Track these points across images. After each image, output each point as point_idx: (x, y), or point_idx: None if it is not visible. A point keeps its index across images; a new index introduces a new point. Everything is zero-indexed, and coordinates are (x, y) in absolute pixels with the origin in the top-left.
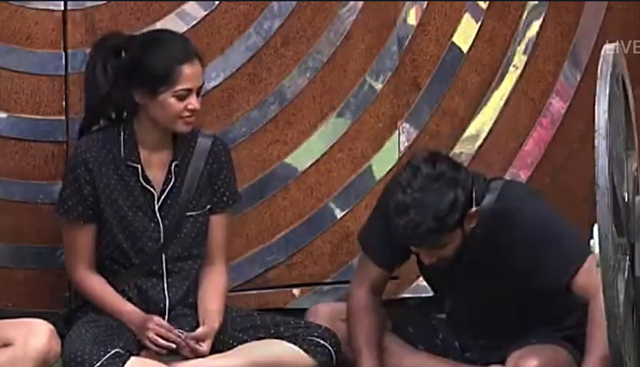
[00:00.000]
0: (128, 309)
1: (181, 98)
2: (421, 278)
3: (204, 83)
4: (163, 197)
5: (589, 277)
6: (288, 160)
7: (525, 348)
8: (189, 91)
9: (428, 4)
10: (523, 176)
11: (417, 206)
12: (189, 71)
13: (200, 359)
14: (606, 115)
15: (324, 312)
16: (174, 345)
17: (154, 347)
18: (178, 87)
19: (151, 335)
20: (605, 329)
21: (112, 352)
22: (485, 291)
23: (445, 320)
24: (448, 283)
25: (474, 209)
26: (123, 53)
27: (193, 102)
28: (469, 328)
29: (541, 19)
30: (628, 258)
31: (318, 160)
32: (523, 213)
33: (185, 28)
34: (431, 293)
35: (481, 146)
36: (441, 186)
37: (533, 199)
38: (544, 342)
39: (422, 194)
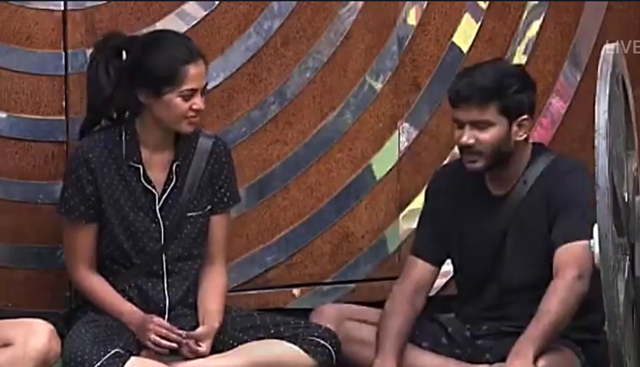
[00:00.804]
0: (128, 309)
1: (186, 98)
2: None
3: (207, 83)
4: (164, 197)
5: (570, 256)
6: (288, 160)
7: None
8: (194, 91)
9: (428, 4)
10: None
11: (480, 71)
12: (194, 71)
13: (200, 359)
14: (606, 115)
15: (330, 313)
16: (175, 345)
17: (155, 348)
18: (184, 87)
19: (152, 336)
20: (560, 306)
21: (112, 352)
22: (523, 267)
23: (462, 306)
24: (493, 255)
25: (528, 118)
26: (124, 54)
27: (198, 102)
28: (494, 308)
29: (541, 19)
30: (628, 258)
31: (318, 160)
32: (570, 177)
33: (185, 28)
34: (431, 294)
35: None
36: (508, 68)
37: (581, 169)
38: (555, 342)
39: (488, 66)
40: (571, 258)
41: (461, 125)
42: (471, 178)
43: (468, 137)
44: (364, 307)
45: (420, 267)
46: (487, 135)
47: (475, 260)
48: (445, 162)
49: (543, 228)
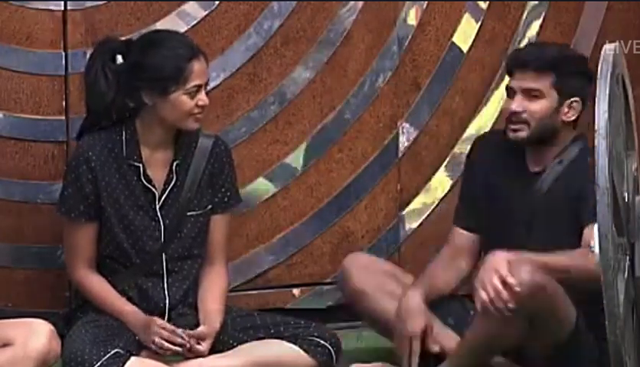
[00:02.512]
0: (128, 310)
1: (192, 95)
2: None
3: (209, 79)
4: (164, 197)
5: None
6: (288, 160)
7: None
8: (199, 87)
9: (428, 4)
10: None
11: (545, 45)
12: (198, 67)
13: (201, 359)
14: (606, 115)
15: (361, 261)
16: (179, 349)
17: (159, 350)
18: (189, 85)
19: (157, 340)
20: (569, 260)
21: (112, 352)
22: (546, 247)
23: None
24: (521, 231)
25: (578, 102)
26: (120, 58)
27: (202, 97)
28: None
29: (541, 19)
30: (628, 258)
31: (318, 160)
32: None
33: (185, 28)
34: None
35: None
36: (573, 52)
37: None
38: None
39: (553, 44)
40: None
41: (511, 96)
42: (510, 152)
43: (517, 104)
44: (396, 267)
45: (458, 236)
46: (537, 106)
47: (503, 236)
48: (487, 130)
49: (571, 211)
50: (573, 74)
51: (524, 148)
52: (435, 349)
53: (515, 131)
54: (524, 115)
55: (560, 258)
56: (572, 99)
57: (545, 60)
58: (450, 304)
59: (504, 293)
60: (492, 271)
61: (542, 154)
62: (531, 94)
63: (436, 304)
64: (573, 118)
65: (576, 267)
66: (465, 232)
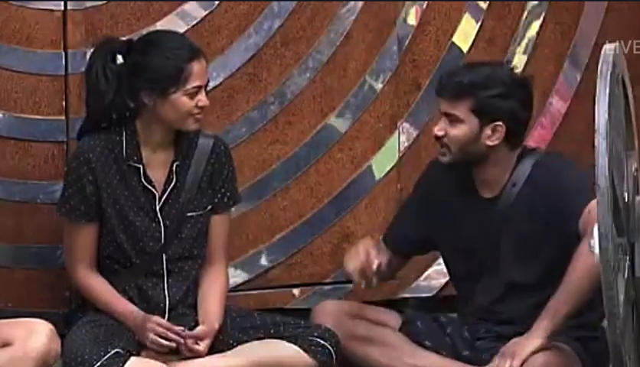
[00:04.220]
0: (127, 309)
1: (191, 96)
2: (421, 278)
3: (209, 80)
4: (164, 197)
5: (590, 215)
6: (288, 160)
7: None
8: (199, 88)
9: (428, 4)
10: None
11: (470, 67)
12: (198, 68)
13: (201, 359)
14: (606, 115)
15: (330, 309)
16: (174, 345)
17: (155, 347)
18: (189, 85)
19: (151, 335)
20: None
21: (113, 352)
22: (519, 268)
23: (461, 309)
24: (487, 257)
25: (501, 126)
26: (121, 58)
27: (202, 98)
28: (489, 311)
29: (541, 19)
30: (628, 258)
31: (318, 160)
32: (563, 176)
33: (185, 28)
34: (431, 294)
35: None
36: (502, 73)
37: (568, 163)
38: (554, 340)
39: (481, 66)
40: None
41: (440, 118)
42: (461, 177)
43: (439, 128)
44: (364, 305)
45: (385, 251)
46: (456, 131)
47: (469, 263)
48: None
49: (540, 229)
50: (493, 98)
51: (471, 176)
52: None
53: (441, 154)
54: (445, 140)
55: (567, 294)
56: (495, 124)
57: (460, 86)
58: (426, 325)
59: None
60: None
61: (489, 180)
62: (451, 119)
63: (411, 327)
64: (497, 142)
65: (584, 280)
66: (393, 254)
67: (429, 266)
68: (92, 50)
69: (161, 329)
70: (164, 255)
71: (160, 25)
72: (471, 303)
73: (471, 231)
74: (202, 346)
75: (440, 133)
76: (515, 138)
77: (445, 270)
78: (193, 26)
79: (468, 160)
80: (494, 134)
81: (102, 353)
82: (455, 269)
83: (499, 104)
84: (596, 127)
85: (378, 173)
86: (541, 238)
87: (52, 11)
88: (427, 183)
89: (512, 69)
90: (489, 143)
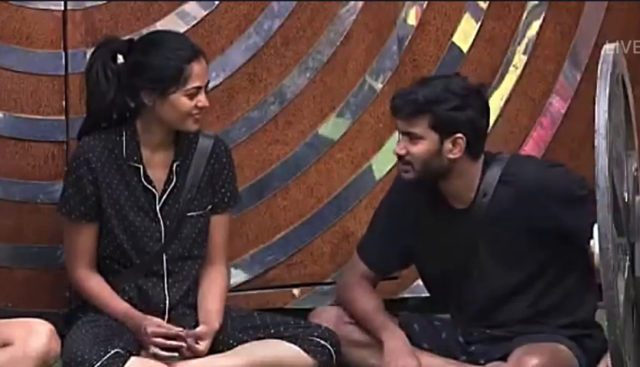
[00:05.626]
0: (126, 311)
1: (191, 96)
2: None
3: (209, 80)
4: (164, 197)
5: None
6: (288, 160)
7: (528, 345)
8: (199, 88)
9: (428, 4)
10: None
11: (422, 84)
12: (198, 69)
13: (201, 359)
14: (606, 115)
15: (329, 314)
16: (175, 344)
17: (159, 351)
18: (189, 86)
19: (152, 340)
20: None
21: (112, 352)
22: (504, 274)
23: (452, 315)
24: (467, 267)
25: (462, 138)
26: (121, 58)
27: (202, 99)
28: (479, 318)
29: (541, 19)
30: (628, 258)
31: (318, 160)
32: (538, 178)
33: (185, 28)
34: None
35: None
36: (454, 84)
37: (544, 166)
38: (548, 340)
39: (433, 80)
40: None
41: (400, 136)
42: (431, 191)
43: (400, 147)
44: None
45: (362, 267)
46: (417, 148)
47: (447, 275)
48: None
49: (521, 233)
50: (450, 111)
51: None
52: None
53: (404, 172)
54: (408, 158)
55: None
56: (455, 136)
57: (415, 104)
58: (423, 328)
59: None
60: None
61: (457, 192)
62: (411, 137)
63: (408, 330)
64: (459, 154)
65: None
66: (369, 270)
67: None
68: (92, 49)
69: (160, 331)
70: (164, 255)
71: (160, 25)
72: (459, 313)
73: (447, 242)
74: (202, 346)
75: (402, 152)
76: (476, 148)
77: None
78: (193, 26)
79: (432, 175)
80: (455, 146)
81: (102, 353)
82: (432, 282)
83: (457, 116)
84: (596, 127)
85: (378, 173)
86: (524, 242)
87: (52, 11)
88: (397, 200)
89: (464, 78)
90: (451, 156)
